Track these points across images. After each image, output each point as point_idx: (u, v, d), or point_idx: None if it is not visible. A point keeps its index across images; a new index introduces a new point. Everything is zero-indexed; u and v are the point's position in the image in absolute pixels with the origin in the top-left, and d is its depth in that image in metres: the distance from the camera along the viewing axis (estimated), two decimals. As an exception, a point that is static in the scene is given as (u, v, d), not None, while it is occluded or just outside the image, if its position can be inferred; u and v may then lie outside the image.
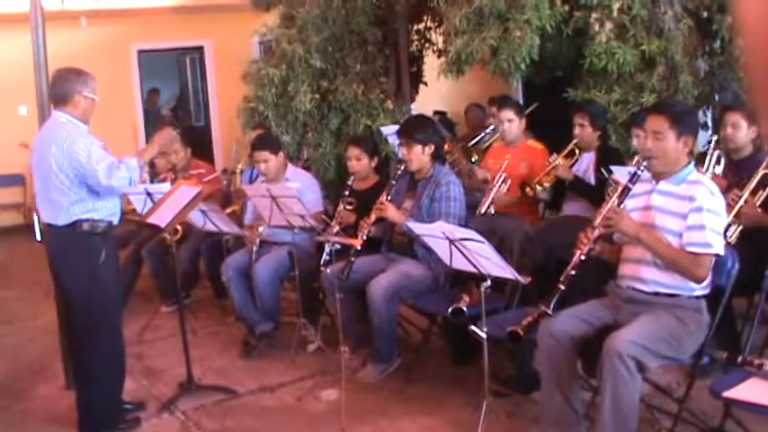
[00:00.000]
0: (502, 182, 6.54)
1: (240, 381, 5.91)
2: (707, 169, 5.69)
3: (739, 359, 4.16)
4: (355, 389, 5.49)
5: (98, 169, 4.76)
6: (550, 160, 6.42)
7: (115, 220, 5.08)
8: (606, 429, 4.00)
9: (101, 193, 4.91)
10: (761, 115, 1.36)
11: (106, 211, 4.98)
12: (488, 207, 6.49)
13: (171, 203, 5.44)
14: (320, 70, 8.91)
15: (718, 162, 5.84)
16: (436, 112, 11.21)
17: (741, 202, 5.32)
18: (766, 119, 1.37)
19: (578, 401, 4.39)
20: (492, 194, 6.51)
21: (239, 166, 8.31)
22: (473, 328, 4.50)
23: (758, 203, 5.35)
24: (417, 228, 4.88)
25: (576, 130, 6.41)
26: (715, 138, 6.02)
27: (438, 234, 4.51)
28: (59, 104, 4.96)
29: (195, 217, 6.40)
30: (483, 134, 7.56)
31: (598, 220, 4.28)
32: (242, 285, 6.49)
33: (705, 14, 7.64)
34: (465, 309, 4.94)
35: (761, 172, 5.37)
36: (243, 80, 9.59)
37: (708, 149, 6.13)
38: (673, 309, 4.21)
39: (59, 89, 4.97)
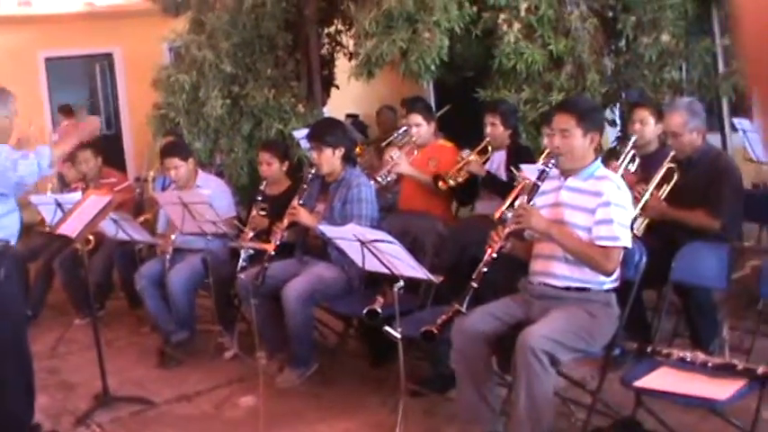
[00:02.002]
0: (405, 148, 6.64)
1: (157, 391, 5.83)
2: (621, 165, 5.81)
3: (649, 349, 4.25)
4: (273, 394, 5.46)
5: (2, 164, 4.63)
6: (463, 155, 6.47)
7: (13, 241, 4.91)
8: (522, 424, 4.04)
9: (8, 194, 4.77)
10: (762, 109, 1.35)
11: (4, 231, 4.82)
12: (389, 173, 6.58)
13: (81, 213, 5.36)
14: (231, 75, 8.84)
15: (632, 160, 5.95)
16: (349, 116, 11.24)
17: (647, 196, 5.43)
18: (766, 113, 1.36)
19: (494, 398, 4.42)
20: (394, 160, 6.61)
21: (151, 174, 8.20)
22: (387, 329, 4.51)
23: (663, 196, 5.47)
24: (329, 231, 4.87)
25: (488, 129, 6.48)
26: (619, 134, 6.13)
27: (350, 236, 4.51)
28: None
29: (107, 226, 6.32)
30: (395, 135, 7.59)
31: (498, 214, 4.33)
32: (156, 294, 6.41)
33: (610, 14, 7.80)
34: (379, 310, 4.95)
35: (665, 166, 5.49)
36: (153, 87, 9.48)
37: (617, 146, 6.26)
38: (583, 303, 4.27)
39: None
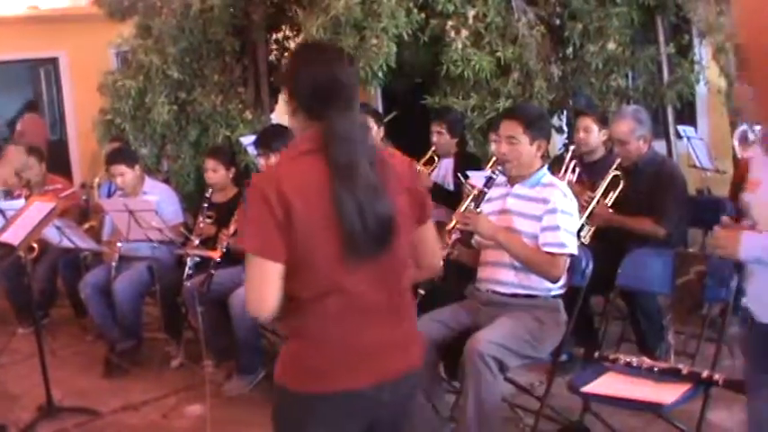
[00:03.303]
0: None
1: (103, 401, 5.76)
2: (564, 175, 5.86)
3: (596, 355, 4.28)
4: (221, 403, 5.43)
5: None
6: (409, 167, 6.47)
7: None
8: (470, 430, 4.05)
9: None
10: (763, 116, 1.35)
11: None
12: None
13: (24, 220, 5.29)
14: (178, 81, 8.76)
15: (573, 171, 5.99)
16: (296, 122, 11.17)
17: (594, 204, 5.48)
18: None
19: (442, 404, 4.43)
20: None
21: (96, 180, 8.09)
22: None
23: (609, 204, 5.52)
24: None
25: (434, 138, 6.50)
26: (566, 141, 6.17)
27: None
28: None
29: (51, 233, 6.21)
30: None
31: (451, 224, 4.35)
32: (101, 302, 6.34)
33: (557, 22, 7.85)
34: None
35: (611, 173, 5.55)
36: (99, 92, 9.37)
37: (564, 153, 6.30)
38: (531, 309, 4.30)
39: None
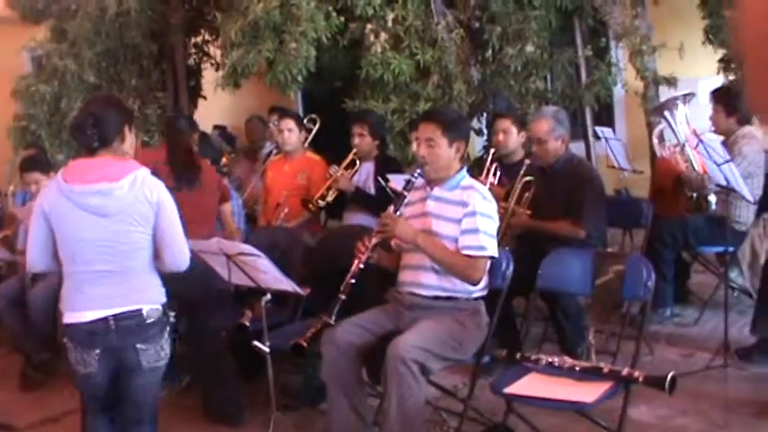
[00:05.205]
0: (279, 210, 6.53)
1: (20, 414, 5.62)
2: (486, 178, 5.88)
3: (518, 355, 4.29)
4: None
5: None
6: (331, 172, 6.43)
7: None
8: (394, 434, 4.03)
9: None
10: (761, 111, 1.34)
11: None
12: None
13: (-67, 230, 5.15)
14: (94, 86, 8.65)
15: (494, 174, 6.02)
16: (216, 127, 11.07)
17: (510, 215, 5.52)
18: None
19: (366, 409, 4.40)
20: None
21: (11, 189, 7.91)
22: (256, 343, 4.45)
23: (526, 204, 5.55)
24: (194, 244, 4.76)
25: (356, 140, 6.46)
26: (485, 143, 6.20)
27: (215, 249, 4.44)
28: None
29: (-38, 244, 6.07)
30: (264, 153, 7.53)
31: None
32: (16, 314, 6.20)
33: (476, 25, 7.90)
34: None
35: (521, 181, 5.60)
36: (13, 98, 9.18)
37: (484, 155, 6.32)
38: (452, 312, 4.29)
39: None
